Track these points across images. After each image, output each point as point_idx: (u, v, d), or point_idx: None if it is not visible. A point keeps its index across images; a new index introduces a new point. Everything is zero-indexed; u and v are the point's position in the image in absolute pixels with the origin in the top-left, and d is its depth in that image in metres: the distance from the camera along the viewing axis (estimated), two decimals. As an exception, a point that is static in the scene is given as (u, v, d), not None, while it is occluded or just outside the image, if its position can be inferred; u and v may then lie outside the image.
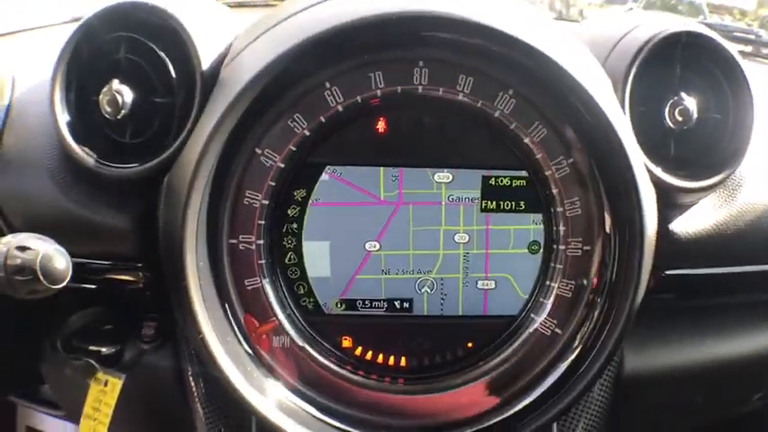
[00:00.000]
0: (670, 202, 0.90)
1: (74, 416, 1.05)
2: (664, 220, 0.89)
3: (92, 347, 0.99)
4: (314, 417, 0.85)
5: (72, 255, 0.85)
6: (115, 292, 0.97)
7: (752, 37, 1.38)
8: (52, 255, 0.77)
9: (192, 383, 0.97)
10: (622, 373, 1.00)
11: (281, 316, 0.86)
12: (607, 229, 0.85)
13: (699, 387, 1.10)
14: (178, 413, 1.01)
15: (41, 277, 0.77)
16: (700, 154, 0.91)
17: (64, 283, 0.79)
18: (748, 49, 1.45)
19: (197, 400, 0.96)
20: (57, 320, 1.02)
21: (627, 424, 1.07)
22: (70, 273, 0.79)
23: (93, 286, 0.97)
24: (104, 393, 0.98)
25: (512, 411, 0.86)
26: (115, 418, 1.03)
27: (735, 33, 1.36)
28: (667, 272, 0.94)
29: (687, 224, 0.92)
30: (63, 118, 0.86)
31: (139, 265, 0.91)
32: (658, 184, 0.86)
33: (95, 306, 1.02)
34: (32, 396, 1.27)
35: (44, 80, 0.88)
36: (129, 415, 1.04)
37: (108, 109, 0.85)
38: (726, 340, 1.07)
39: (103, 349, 0.99)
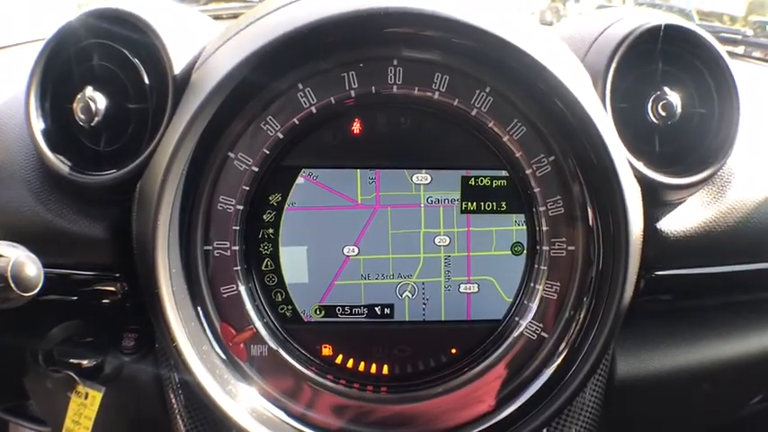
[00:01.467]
0: (657, 200, 0.87)
1: (57, 430, 1.03)
2: (651, 218, 0.87)
3: (72, 360, 0.98)
4: (293, 427, 0.83)
5: (50, 265, 0.84)
6: (95, 303, 0.95)
7: (739, 37, 1.36)
8: (24, 262, 0.76)
9: (173, 395, 0.94)
10: (614, 378, 0.98)
11: (259, 324, 0.84)
12: (591, 228, 0.83)
13: (694, 391, 1.07)
14: (159, 426, 0.99)
15: (13, 285, 0.75)
16: (686, 150, 0.89)
17: (36, 291, 0.77)
18: (738, 50, 1.44)
19: (177, 412, 0.94)
20: (38, 333, 1.00)
21: (622, 430, 1.04)
22: (42, 280, 0.77)
23: (73, 297, 0.96)
24: (85, 406, 0.96)
25: (498, 418, 0.83)
26: (95, 430, 1.01)
27: (722, 34, 1.34)
28: (657, 273, 0.91)
29: (675, 223, 0.90)
30: (38, 126, 0.85)
31: (117, 275, 0.90)
32: (643, 180, 0.84)
33: (76, 318, 1.01)
34: (20, 412, 1.25)
35: (20, 92, 0.87)
36: (110, 428, 1.02)
37: (82, 116, 0.84)
38: (721, 342, 1.04)
39: (84, 362, 0.98)
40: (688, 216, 0.91)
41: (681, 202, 0.91)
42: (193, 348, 0.79)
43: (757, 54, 1.44)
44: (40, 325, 1.01)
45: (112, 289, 0.93)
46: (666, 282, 0.93)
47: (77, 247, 0.88)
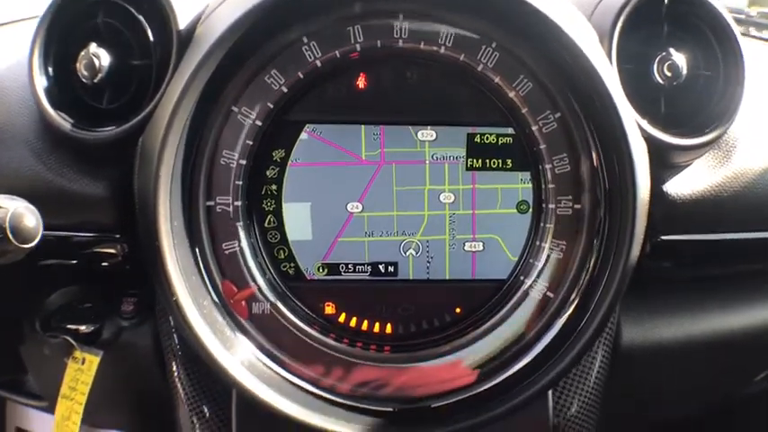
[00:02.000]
0: (663, 162, 0.87)
1: (53, 401, 1.01)
2: (657, 180, 0.86)
3: (70, 326, 0.97)
4: (295, 385, 0.82)
5: (51, 227, 0.83)
6: (95, 266, 0.94)
7: (742, 17, 1.37)
8: (22, 213, 0.75)
9: (172, 361, 0.93)
10: (619, 345, 0.96)
11: (261, 281, 0.83)
12: (598, 185, 0.82)
13: (699, 363, 1.06)
14: (158, 394, 0.97)
15: (11, 236, 0.74)
16: (691, 113, 0.89)
17: (34, 243, 0.76)
18: (742, 29, 1.44)
19: (177, 378, 0.92)
20: (36, 301, 0.99)
21: (625, 401, 1.02)
22: (41, 231, 0.76)
23: (73, 261, 0.95)
24: (81, 372, 0.95)
25: (502, 378, 0.82)
26: (94, 400, 0.99)
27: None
28: (663, 237, 0.91)
29: (681, 186, 0.89)
30: (41, 83, 0.85)
31: (118, 235, 0.89)
32: (649, 140, 0.83)
33: (75, 285, 1.00)
34: (17, 389, 1.23)
35: (24, 58, 0.87)
36: (108, 396, 1.00)
37: (85, 73, 0.84)
38: (728, 313, 1.03)
39: (82, 327, 0.96)
40: (694, 180, 0.90)
41: (687, 166, 0.90)
42: (194, 303, 0.78)
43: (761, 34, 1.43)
44: (39, 292, 0.99)
45: (112, 251, 0.91)
46: (672, 247, 0.92)
47: (78, 207, 0.87)
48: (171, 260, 0.76)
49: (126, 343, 0.96)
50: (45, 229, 0.87)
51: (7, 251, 0.76)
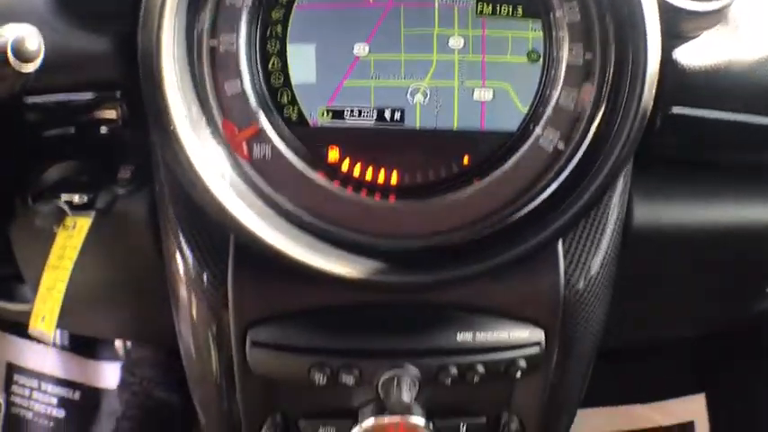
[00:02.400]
0: (671, 31, 0.85)
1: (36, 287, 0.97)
2: (666, 49, 0.84)
3: (64, 196, 0.94)
4: (297, 227, 0.78)
5: (51, 89, 0.85)
6: (93, 134, 0.92)
7: None
8: (26, 34, 0.74)
9: (168, 226, 0.89)
10: (631, 225, 0.93)
11: (263, 122, 0.80)
12: (608, 36, 0.80)
13: (714, 260, 1.02)
14: (152, 271, 0.94)
15: (11, 55, 0.73)
16: None
17: (35, 65, 0.75)
18: None
19: (173, 243, 0.88)
20: (32, 174, 0.97)
21: (633, 297, 0.98)
22: (42, 54, 0.75)
23: (71, 130, 0.93)
24: (71, 238, 0.91)
25: (510, 222, 0.79)
26: (84, 271, 0.95)
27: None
28: (674, 110, 0.89)
29: (691, 56, 0.87)
30: None
31: (118, 94, 0.88)
32: (659, 5, 0.82)
33: (71, 159, 0.98)
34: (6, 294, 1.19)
35: None
36: (99, 266, 0.97)
37: None
38: (742, 206, 1.00)
39: (76, 198, 0.94)
40: (703, 52, 0.89)
41: (694, 37, 0.89)
42: (193, 132, 0.75)
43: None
44: (34, 167, 0.97)
45: (112, 116, 0.90)
46: (683, 122, 0.90)
47: (81, 63, 0.86)
48: (170, 85, 0.74)
49: (121, 212, 0.93)
50: (46, 91, 0.86)
51: (6, 76, 0.75)
